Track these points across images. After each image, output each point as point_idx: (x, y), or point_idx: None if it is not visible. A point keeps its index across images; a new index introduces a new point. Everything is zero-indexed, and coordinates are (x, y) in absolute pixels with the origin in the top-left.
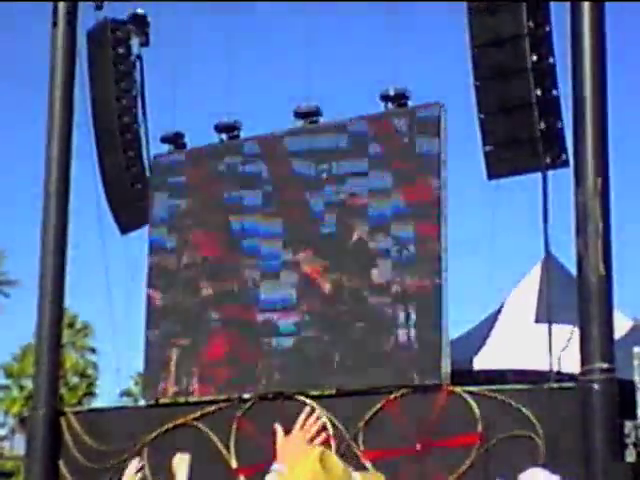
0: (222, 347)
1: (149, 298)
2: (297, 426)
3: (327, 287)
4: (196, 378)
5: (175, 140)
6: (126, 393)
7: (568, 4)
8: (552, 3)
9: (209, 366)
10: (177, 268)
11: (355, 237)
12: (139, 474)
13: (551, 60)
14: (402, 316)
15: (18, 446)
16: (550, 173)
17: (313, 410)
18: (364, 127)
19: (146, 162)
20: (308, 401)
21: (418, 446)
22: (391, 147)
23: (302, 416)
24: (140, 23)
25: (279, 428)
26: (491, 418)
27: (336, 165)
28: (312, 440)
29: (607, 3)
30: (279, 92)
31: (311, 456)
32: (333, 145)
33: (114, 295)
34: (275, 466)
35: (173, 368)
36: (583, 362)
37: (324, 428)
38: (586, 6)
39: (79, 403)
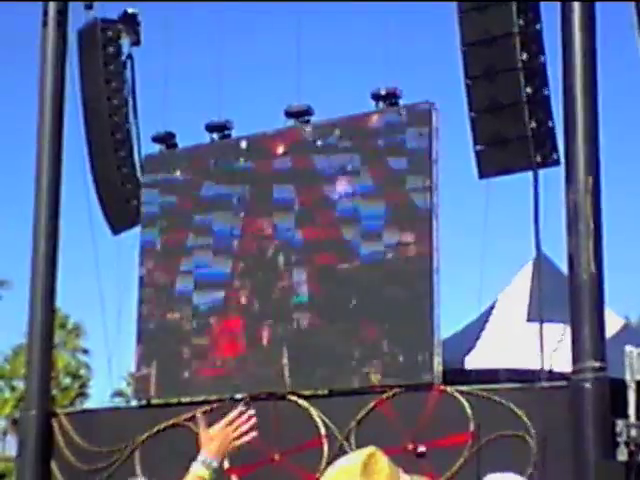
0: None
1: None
2: (225, 421)
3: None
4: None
5: (166, 140)
6: (118, 394)
7: (559, 2)
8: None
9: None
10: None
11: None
12: None
13: (542, 58)
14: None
15: (10, 447)
16: (541, 172)
17: (248, 407)
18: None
19: (137, 162)
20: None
21: (410, 445)
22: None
23: (234, 413)
24: (131, 22)
25: (201, 419)
26: (483, 417)
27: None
28: (238, 439)
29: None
30: (270, 91)
31: (354, 465)
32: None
33: (106, 295)
34: (205, 458)
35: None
36: (575, 361)
37: (253, 428)
38: (576, 4)
39: (71, 404)
